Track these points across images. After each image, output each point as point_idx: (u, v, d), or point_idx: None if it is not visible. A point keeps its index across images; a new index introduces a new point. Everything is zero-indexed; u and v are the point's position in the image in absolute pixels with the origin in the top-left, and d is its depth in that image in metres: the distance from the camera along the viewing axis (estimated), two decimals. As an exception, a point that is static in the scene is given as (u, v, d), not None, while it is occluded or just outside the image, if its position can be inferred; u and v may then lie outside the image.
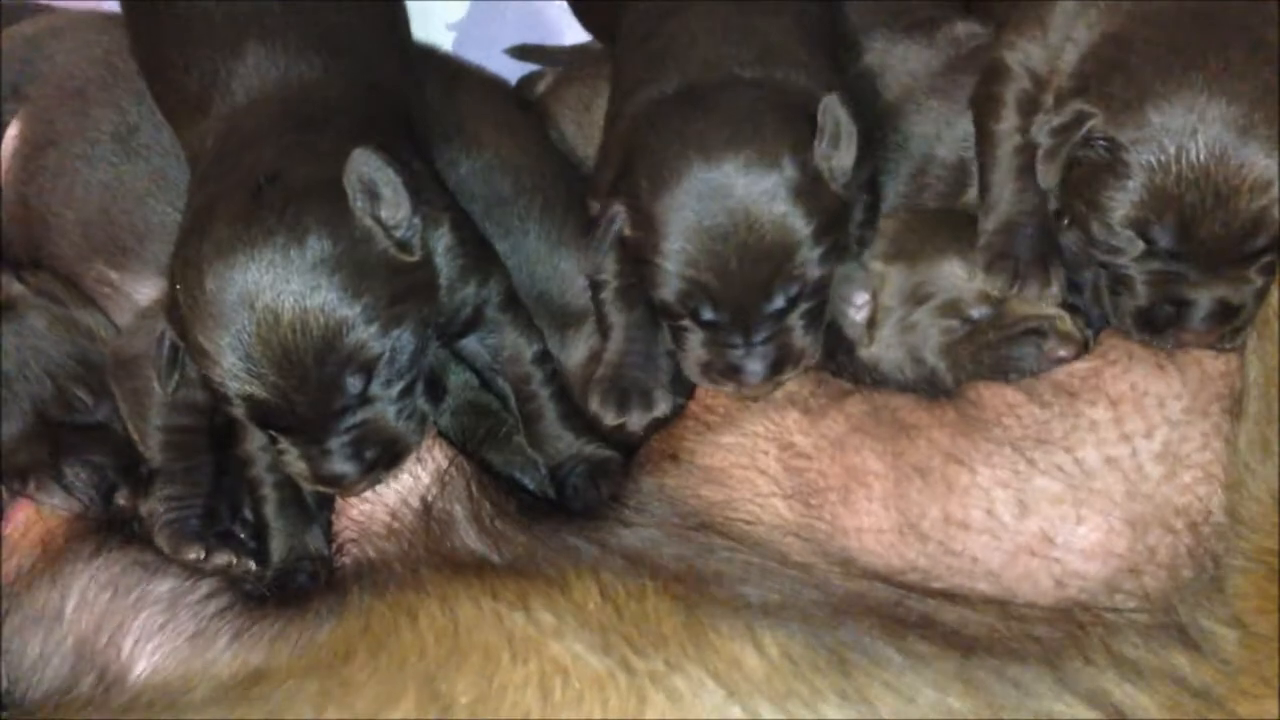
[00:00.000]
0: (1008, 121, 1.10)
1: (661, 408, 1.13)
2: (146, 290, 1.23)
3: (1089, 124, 1.01)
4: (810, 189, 1.02)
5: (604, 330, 1.16)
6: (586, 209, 1.17)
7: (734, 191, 1.01)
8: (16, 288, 1.23)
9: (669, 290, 1.04)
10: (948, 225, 1.16)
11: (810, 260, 1.03)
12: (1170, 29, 1.02)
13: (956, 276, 1.13)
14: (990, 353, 1.10)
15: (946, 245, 1.14)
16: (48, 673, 1.04)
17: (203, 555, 1.13)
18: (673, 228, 1.02)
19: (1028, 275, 1.08)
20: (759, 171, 1.01)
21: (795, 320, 1.05)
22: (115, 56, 1.29)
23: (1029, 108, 1.10)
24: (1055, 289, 1.09)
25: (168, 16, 1.17)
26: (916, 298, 1.14)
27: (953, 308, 1.13)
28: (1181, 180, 0.98)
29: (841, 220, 1.07)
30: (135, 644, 1.04)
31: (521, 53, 1.47)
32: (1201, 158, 0.97)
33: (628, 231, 1.06)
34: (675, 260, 1.02)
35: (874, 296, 1.15)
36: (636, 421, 1.13)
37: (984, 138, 1.13)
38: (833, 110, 1.03)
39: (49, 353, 1.21)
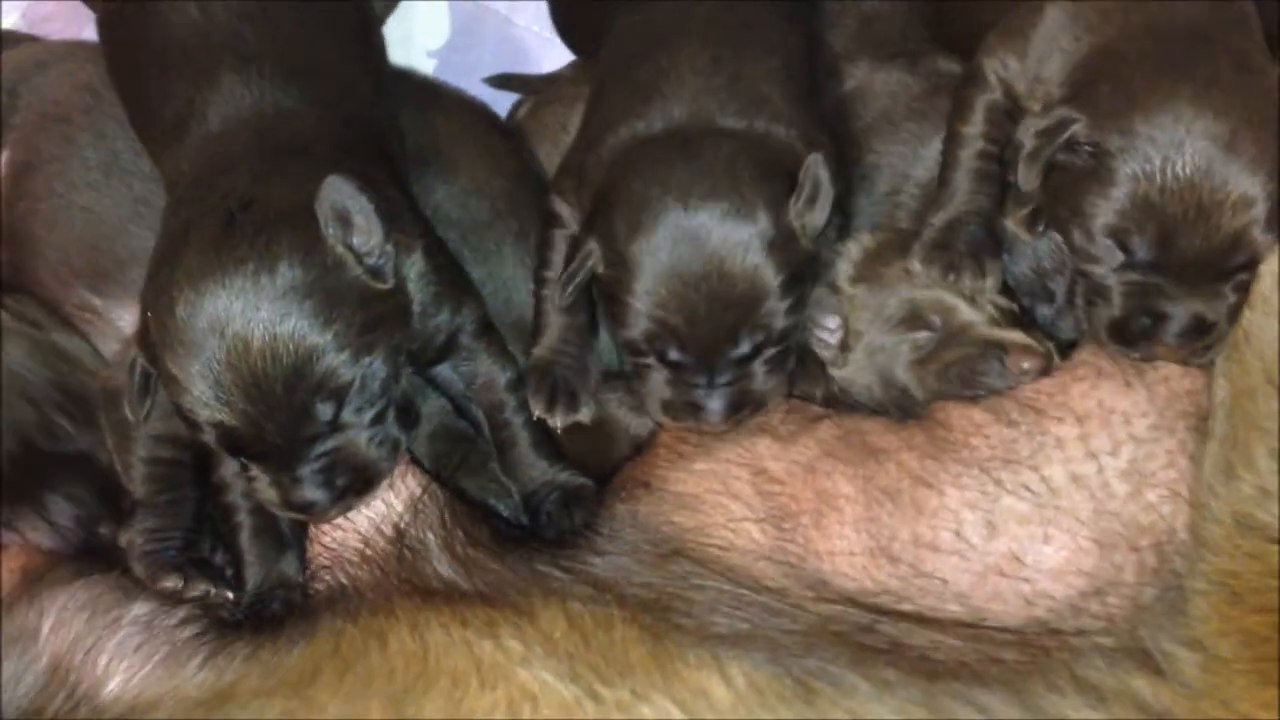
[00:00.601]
0: (974, 126, 1.12)
1: (585, 413, 1.15)
2: (129, 316, 1.23)
3: (1073, 128, 1.02)
4: (782, 243, 1.05)
5: (540, 326, 1.17)
6: (546, 210, 1.19)
7: (709, 240, 1.03)
8: None
9: (637, 329, 1.06)
10: (910, 245, 1.16)
11: (777, 311, 1.05)
12: (1161, 43, 1.03)
13: (917, 294, 1.14)
14: (956, 369, 1.11)
15: (909, 264, 1.15)
16: (19, 690, 1.04)
17: (180, 585, 1.13)
18: (646, 270, 1.04)
19: (962, 266, 1.10)
20: (734, 223, 1.03)
21: (758, 366, 1.07)
22: (99, 84, 1.30)
23: (997, 118, 1.12)
24: (990, 282, 1.10)
25: (144, 45, 1.18)
26: (883, 318, 1.15)
27: (914, 318, 1.14)
28: (1165, 192, 0.98)
29: (809, 273, 1.09)
30: (109, 663, 1.04)
31: (501, 82, 1.48)
32: (1187, 171, 0.98)
33: (600, 269, 1.08)
34: (645, 301, 1.04)
35: (844, 320, 1.16)
36: (561, 419, 1.14)
37: (950, 138, 1.15)
38: (814, 170, 1.06)
39: (29, 379, 1.20)
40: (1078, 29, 1.08)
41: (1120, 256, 1.02)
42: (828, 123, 1.19)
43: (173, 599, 1.10)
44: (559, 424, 1.14)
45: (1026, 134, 1.05)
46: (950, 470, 1.03)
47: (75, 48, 1.40)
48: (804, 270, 1.07)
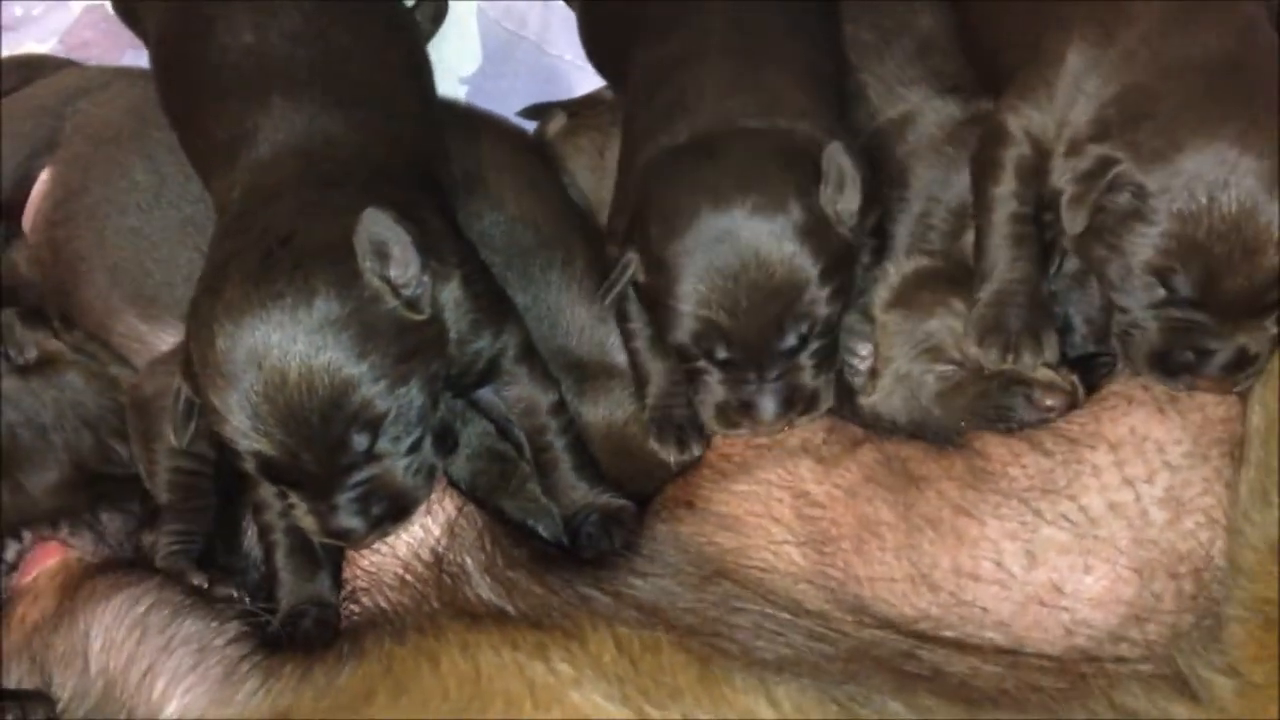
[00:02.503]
0: (1005, 186, 1.11)
1: (702, 447, 1.17)
2: (170, 338, 1.25)
3: (1116, 169, 1.01)
4: (816, 230, 1.06)
5: (642, 377, 1.19)
6: (606, 258, 1.20)
7: (742, 233, 1.04)
8: (54, 344, 1.26)
9: (684, 331, 1.07)
10: (945, 275, 1.18)
11: (819, 298, 1.06)
12: (1198, 79, 1.02)
13: (950, 329, 1.15)
14: (983, 402, 1.12)
15: (945, 295, 1.16)
16: (80, 712, 1.05)
17: (205, 584, 1.14)
18: (685, 271, 1.05)
19: (1020, 346, 1.09)
20: (766, 214, 1.05)
21: (806, 360, 1.08)
22: (145, 109, 1.31)
23: (1028, 175, 1.10)
24: (1048, 355, 1.10)
25: (199, 68, 1.20)
26: (914, 346, 1.16)
27: (939, 351, 1.15)
28: (1211, 232, 0.98)
29: (848, 261, 1.10)
30: (167, 686, 1.05)
31: (534, 113, 1.48)
32: (1234, 210, 0.98)
33: (641, 277, 1.10)
34: (688, 301, 1.05)
35: (875, 346, 1.17)
36: (697, 452, 1.16)
37: (981, 201, 1.13)
38: (836, 157, 1.07)
39: (87, 406, 1.24)
40: (1103, 73, 1.07)
41: (1161, 293, 1.02)
42: (863, 144, 1.20)
43: (219, 614, 1.11)
44: (696, 456, 1.16)
45: (1063, 179, 1.05)
46: (990, 500, 1.04)
47: (116, 73, 1.42)
48: (842, 258, 1.08)
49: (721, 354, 1.07)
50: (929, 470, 1.08)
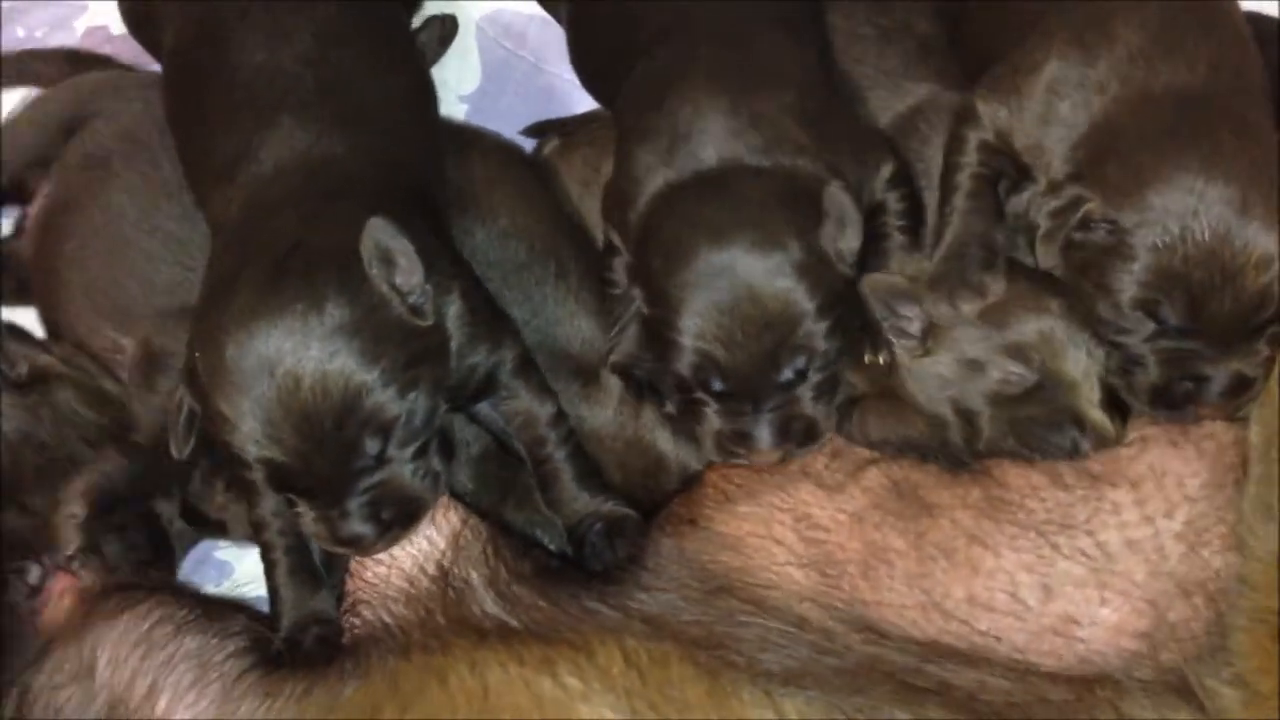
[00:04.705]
0: (968, 156, 1.15)
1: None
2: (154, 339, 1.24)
3: (1085, 208, 1.04)
4: (814, 268, 1.07)
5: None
6: (602, 272, 1.22)
7: (739, 269, 1.06)
8: (44, 358, 1.26)
9: (683, 363, 1.08)
10: (1049, 283, 1.14)
11: (815, 333, 1.07)
12: (1159, 114, 1.05)
13: (1043, 335, 1.12)
14: (1029, 425, 1.10)
15: (1047, 300, 1.13)
16: None
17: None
18: (685, 305, 1.07)
19: (957, 294, 1.11)
20: (763, 251, 1.06)
21: (804, 392, 1.09)
22: (139, 131, 1.33)
23: (989, 155, 1.14)
24: (992, 298, 1.11)
25: (210, 85, 1.21)
26: (999, 336, 1.13)
27: (1018, 351, 1.12)
28: (1189, 260, 1.00)
29: (846, 298, 1.11)
30: (170, 701, 1.05)
31: (536, 130, 1.49)
32: (1207, 237, 0.99)
33: (645, 310, 1.12)
34: (687, 335, 1.07)
35: (922, 309, 1.14)
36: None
37: (944, 169, 1.17)
38: (836, 199, 1.09)
39: (83, 422, 1.24)
40: (1076, 100, 1.09)
41: (1151, 326, 1.03)
42: (884, 136, 1.23)
43: (221, 630, 1.11)
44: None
45: (1040, 214, 1.07)
46: (1006, 532, 1.04)
47: (125, 86, 1.42)
48: (840, 295, 1.10)
49: (717, 386, 1.08)
50: (941, 498, 1.08)
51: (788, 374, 1.07)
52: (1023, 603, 1.02)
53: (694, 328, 1.07)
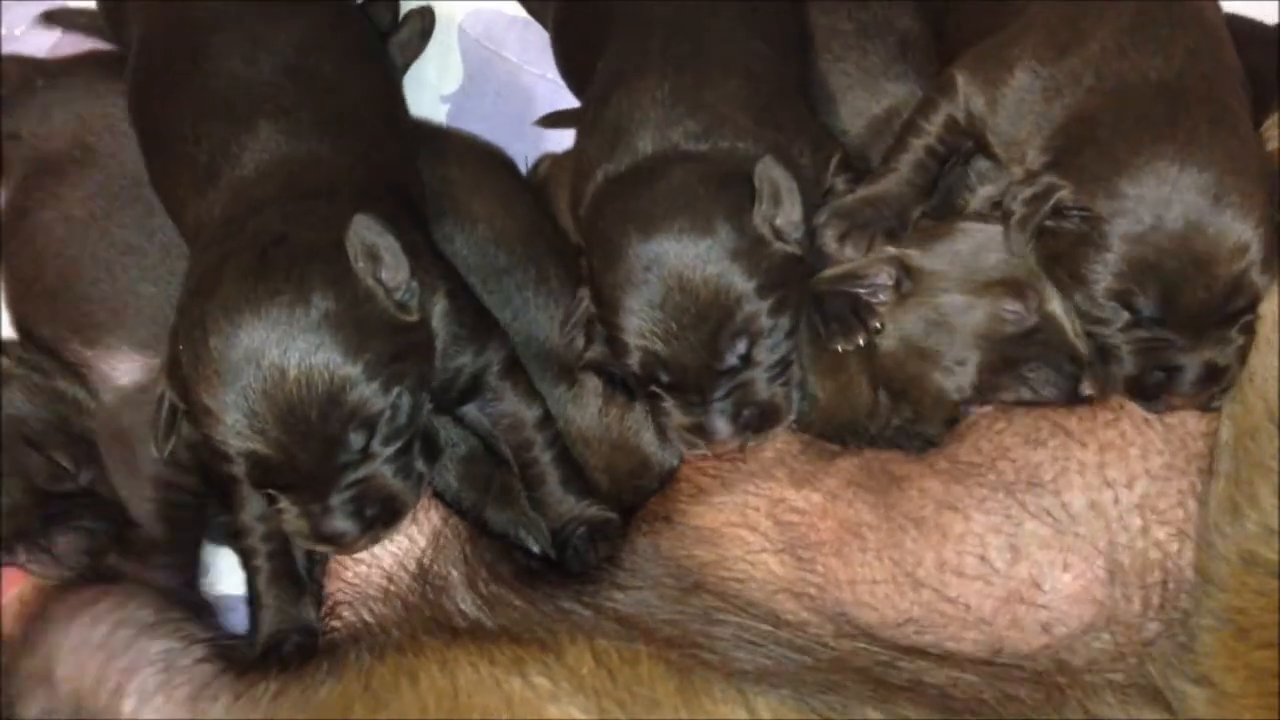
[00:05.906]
0: (933, 124, 1.15)
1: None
2: (123, 367, 1.23)
3: (1058, 195, 1.04)
4: (748, 248, 1.06)
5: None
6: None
7: (668, 260, 1.05)
8: None
9: (631, 360, 1.08)
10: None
11: (756, 313, 1.06)
12: (1136, 103, 1.05)
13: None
14: (1024, 365, 1.09)
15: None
16: None
17: None
18: (622, 302, 1.07)
19: (849, 236, 1.13)
20: (691, 239, 1.05)
21: (758, 375, 1.08)
22: (92, 138, 1.30)
23: (951, 134, 1.15)
24: (878, 257, 1.12)
25: (185, 94, 1.20)
26: (976, 275, 1.12)
27: (1014, 285, 1.11)
28: (1161, 249, 1.00)
29: (792, 273, 1.10)
30: (136, 705, 1.05)
31: (553, 120, 1.48)
32: (1180, 226, 1.00)
33: (594, 309, 1.12)
34: (629, 332, 1.07)
35: (900, 272, 1.13)
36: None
37: (906, 124, 1.18)
38: (767, 172, 1.08)
39: (30, 423, 1.22)
40: (1048, 89, 1.09)
41: (1126, 316, 1.04)
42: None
43: (188, 635, 1.10)
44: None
45: (1014, 201, 1.07)
46: (975, 494, 1.05)
47: (84, 90, 1.37)
48: (783, 272, 1.08)
49: (664, 378, 1.08)
50: (910, 469, 1.08)
51: (731, 360, 1.06)
52: (990, 565, 1.03)
53: (633, 325, 1.06)
